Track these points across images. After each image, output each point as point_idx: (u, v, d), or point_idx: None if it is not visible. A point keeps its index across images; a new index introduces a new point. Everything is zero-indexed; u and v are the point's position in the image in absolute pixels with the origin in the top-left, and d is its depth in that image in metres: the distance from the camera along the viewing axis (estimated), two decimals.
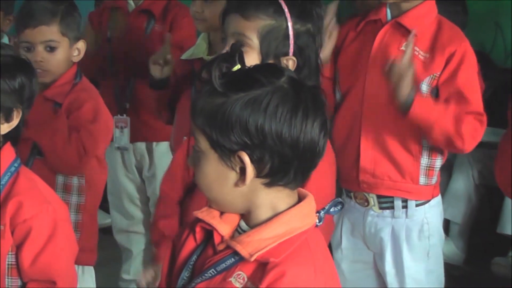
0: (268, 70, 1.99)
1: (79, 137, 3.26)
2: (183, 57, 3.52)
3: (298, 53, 2.81)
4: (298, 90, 1.94)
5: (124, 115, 4.32)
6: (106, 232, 4.51)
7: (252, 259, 1.91)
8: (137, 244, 4.47)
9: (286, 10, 2.80)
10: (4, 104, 2.55)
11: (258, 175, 1.92)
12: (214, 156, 1.96)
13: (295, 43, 2.80)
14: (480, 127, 3.20)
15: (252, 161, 1.90)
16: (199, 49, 3.47)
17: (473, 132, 3.19)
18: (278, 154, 1.94)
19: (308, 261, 1.95)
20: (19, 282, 2.58)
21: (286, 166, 1.95)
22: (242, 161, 1.92)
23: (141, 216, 4.38)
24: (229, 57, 2.05)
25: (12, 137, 2.61)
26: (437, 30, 3.28)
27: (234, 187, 1.97)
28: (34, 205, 2.55)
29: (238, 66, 2.07)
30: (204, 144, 1.96)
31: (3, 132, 2.56)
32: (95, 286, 3.51)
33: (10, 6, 4.19)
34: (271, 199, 1.98)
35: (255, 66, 2.07)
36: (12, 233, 2.54)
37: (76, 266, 3.13)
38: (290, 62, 2.76)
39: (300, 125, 1.95)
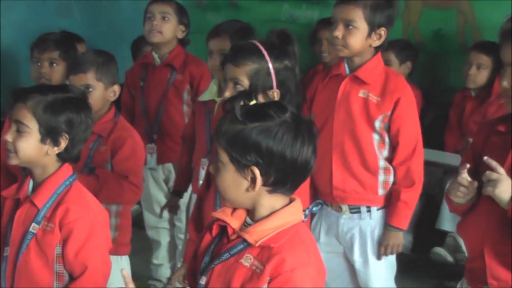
0: (277, 106, 2.04)
1: (130, 181, 3.29)
2: (199, 99, 3.58)
3: (280, 85, 2.80)
4: (299, 123, 2.01)
5: (153, 144, 4.34)
6: (140, 227, 4.52)
7: (257, 244, 1.98)
8: (164, 237, 4.52)
9: (265, 54, 2.79)
10: (51, 133, 2.55)
11: (264, 184, 1.99)
12: (232, 168, 2.01)
13: (276, 78, 2.79)
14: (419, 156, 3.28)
15: (261, 174, 1.98)
16: (211, 92, 3.48)
17: (420, 163, 3.28)
18: (281, 170, 2.00)
19: (300, 247, 2.02)
20: (64, 269, 2.56)
21: (286, 179, 2.01)
22: (253, 174, 1.99)
23: (167, 216, 4.35)
24: (248, 94, 2.23)
25: (72, 158, 2.63)
26: (385, 79, 3.25)
27: (245, 191, 2.02)
28: (77, 211, 2.54)
29: (254, 101, 2.20)
30: (225, 158, 2.00)
31: (52, 154, 2.56)
32: (130, 270, 3.40)
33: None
34: (271, 201, 2.04)
35: (267, 103, 2.18)
36: (60, 230, 2.53)
37: (115, 256, 3.25)
38: (275, 94, 2.77)
39: (298, 149, 2.00)
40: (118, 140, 3.35)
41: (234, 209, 2.08)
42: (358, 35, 3.16)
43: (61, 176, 2.58)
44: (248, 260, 1.99)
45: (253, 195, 2.01)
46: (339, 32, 3.16)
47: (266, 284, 1.95)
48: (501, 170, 2.44)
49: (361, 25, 3.15)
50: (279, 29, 2.91)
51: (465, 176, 2.49)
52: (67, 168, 2.59)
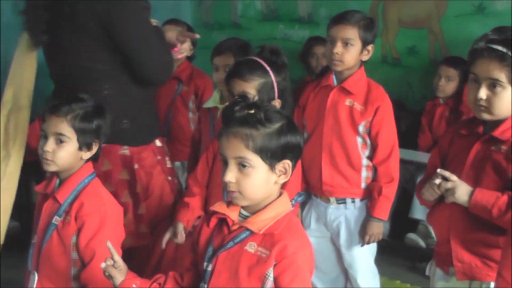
0: (276, 109, 2.09)
1: None
2: (204, 106, 3.52)
3: (280, 95, 2.86)
4: (291, 119, 2.07)
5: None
6: None
7: (261, 232, 1.99)
8: None
9: (269, 69, 2.84)
10: (86, 141, 2.58)
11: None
12: (264, 167, 1.97)
13: (278, 89, 2.85)
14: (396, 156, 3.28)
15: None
16: (215, 99, 3.40)
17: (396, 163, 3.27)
18: (297, 158, 2.04)
19: (298, 232, 2.04)
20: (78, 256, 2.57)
21: (293, 168, 2.04)
22: (285, 166, 1.99)
23: None
24: (250, 103, 2.06)
25: (96, 158, 2.67)
26: (368, 90, 3.27)
27: (273, 184, 2.00)
28: (90, 206, 2.54)
29: (253, 110, 2.04)
30: (256, 161, 1.95)
31: (85, 158, 2.60)
32: None
33: None
34: (275, 192, 2.04)
35: (265, 107, 2.06)
36: (75, 222, 2.54)
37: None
38: (277, 103, 2.82)
39: (301, 140, 2.05)
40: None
41: (228, 203, 2.06)
42: (354, 52, 3.20)
43: (82, 174, 2.60)
44: (252, 247, 1.99)
45: (274, 187, 2.01)
46: (339, 49, 3.18)
47: (272, 267, 1.95)
48: (454, 178, 2.45)
49: (357, 42, 3.19)
50: (269, 45, 2.95)
51: (437, 182, 2.47)
52: (88, 167, 2.63)
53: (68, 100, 2.59)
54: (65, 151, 2.53)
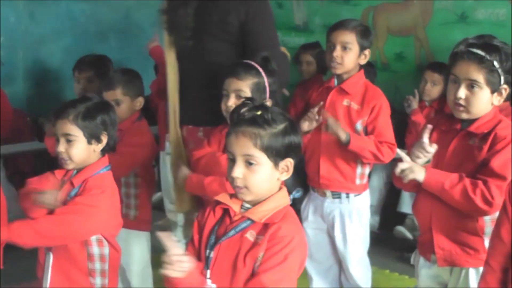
0: (279, 111, 2.08)
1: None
2: None
3: (271, 96, 2.89)
4: (293, 120, 2.10)
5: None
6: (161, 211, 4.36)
7: (262, 221, 2.01)
8: (180, 219, 4.36)
9: (261, 70, 2.87)
10: (94, 134, 2.60)
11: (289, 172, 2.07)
12: (269, 164, 1.99)
13: (269, 90, 2.88)
14: (391, 150, 3.27)
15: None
16: None
17: (388, 151, 3.26)
18: (298, 156, 2.05)
19: (294, 221, 2.07)
20: None
21: (294, 166, 2.06)
22: (288, 164, 2.02)
23: None
24: (256, 105, 2.08)
25: (111, 148, 2.70)
26: (365, 91, 3.32)
27: (276, 181, 2.03)
28: (94, 181, 2.56)
29: (260, 112, 2.05)
30: (262, 158, 1.98)
31: (98, 150, 2.63)
32: (150, 245, 3.46)
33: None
34: (276, 187, 2.06)
35: (270, 108, 2.08)
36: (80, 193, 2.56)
37: (137, 231, 3.33)
38: (269, 103, 2.83)
39: (301, 139, 2.08)
40: (136, 129, 3.36)
41: (231, 196, 2.08)
42: (352, 55, 3.26)
43: (99, 165, 2.64)
44: (252, 235, 2.01)
45: (275, 183, 2.04)
46: (338, 53, 3.24)
47: (264, 250, 1.97)
48: (407, 159, 2.52)
49: (354, 47, 3.25)
50: (261, 53, 2.93)
51: (426, 141, 2.51)
52: (105, 160, 2.67)
53: (71, 102, 2.64)
54: (76, 148, 2.57)
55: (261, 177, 1.99)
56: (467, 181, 2.48)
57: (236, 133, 2.00)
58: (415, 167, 2.51)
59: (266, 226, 2.01)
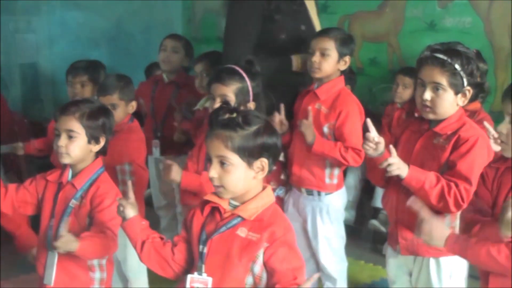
0: (254, 112, 2.12)
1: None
2: (195, 108, 3.61)
3: (255, 99, 2.94)
4: (269, 121, 2.14)
5: (157, 139, 4.29)
6: (151, 206, 4.44)
7: (252, 218, 2.03)
8: (168, 214, 4.51)
9: (245, 75, 2.91)
10: (94, 135, 2.63)
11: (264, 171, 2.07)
12: (243, 165, 2.01)
13: (253, 93, 2.93)
14: (358, 155, 3.23)
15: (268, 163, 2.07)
16: (204, 102, 3.44)
17: (354, 156, 3.25)
18: (274, 157, 2.06)
19: (283, 219, 2.09)
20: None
21: (274, 163, 2.08)
22: (262, 164, 2.03)
23: (170, 199, 4.38)
24: (230, 108, 2.09)
25: (102, 151, 2.71)
26: (337, 96, 3.32)
27: (251, 180, 2.04)
28: (105, 188, 2.60)
29: (235, 114, 2.06)
30: (235, 159, 1.99)
31: (95, 151, 2.66)
32: None
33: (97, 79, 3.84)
34: (258, 186, 2.08)
35: (244, 111, 2.14)
36: (91, 203, 2.58)
37: None
38: (252, 105, 2.91)
39: (279, 140, 2.07)
40: (130, 132, 3.37)
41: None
42: (330, 61, 3.27)
43: (95, 166, 2.68)
44: (243, 232, 2.02)
45: (252, 182, 2.04)
46: (316, 58, 3.26)
47: (263, 248, 1.99)
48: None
49: (333, 53, 3.26)
50: (246, 57, 3.03)
51: (372, 135, 2.55)
52: (99, 161, 2.71)
53: (75, 101, 2.67)
54: (76, 145, 2.59)
55: (236, 176, 2.01)
56: (444, 183, 2.52)
57: (211, 136, 2.04)
58: (401, 164, 2.52)
59: (257, 224, 2.03)
